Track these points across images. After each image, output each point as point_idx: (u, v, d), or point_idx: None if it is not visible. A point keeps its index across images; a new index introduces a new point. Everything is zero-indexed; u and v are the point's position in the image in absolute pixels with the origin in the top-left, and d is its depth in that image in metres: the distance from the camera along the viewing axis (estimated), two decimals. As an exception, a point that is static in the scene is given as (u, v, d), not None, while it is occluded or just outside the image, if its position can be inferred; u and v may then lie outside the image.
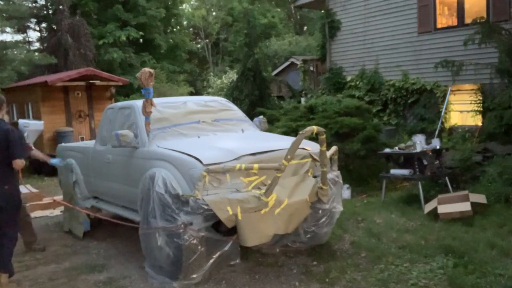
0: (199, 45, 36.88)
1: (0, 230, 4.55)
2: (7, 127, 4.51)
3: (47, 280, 4.74)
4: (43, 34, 25.36)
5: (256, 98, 15.35)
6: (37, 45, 25.77)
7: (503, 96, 8.09)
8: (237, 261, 4.37)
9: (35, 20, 24.45)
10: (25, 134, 5.10)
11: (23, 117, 13.11)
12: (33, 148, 5.15)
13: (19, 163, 4.51)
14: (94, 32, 23.23)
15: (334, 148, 5.14)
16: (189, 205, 3.99)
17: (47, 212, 7.92)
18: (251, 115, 7.52)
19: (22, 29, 23.95)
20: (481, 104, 9.47)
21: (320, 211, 4.71)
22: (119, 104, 6.36)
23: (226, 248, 4.20)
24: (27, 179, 10.97)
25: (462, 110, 10.22)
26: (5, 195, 4.51)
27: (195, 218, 4.00)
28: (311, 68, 14.35)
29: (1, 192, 4.48)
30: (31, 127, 5.22)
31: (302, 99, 14.34)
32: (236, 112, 5.97)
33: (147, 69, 4.90)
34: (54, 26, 23.06)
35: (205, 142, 4.85)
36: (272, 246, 4.59)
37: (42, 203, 8.19)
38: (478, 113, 9.55)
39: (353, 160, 8.10)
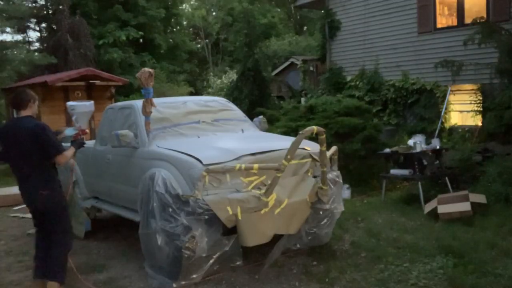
0: (199, 45, 36.86)
1: (49, 237, 4.19)
2: (32, 125, 4.02)
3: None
4: (43, 34, 25.35)
5: (256, 98, 15.33)
6: (37, 45, 25.76)
7: (503, 96, 8.08)
8: (239, 263, 4.36)
9: (35, 20, 24.44)
10: (73, 118, 4.71)
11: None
12: (87, 131, 4.67)
13: (61, 159, 4.08)
14: (94, 32, 23.22)
15: (334, 148, 5.14)
16: (189, 205, 3.99)
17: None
18: (251, 115, 7.50)
19: (22, 29, 23.93)
20: (481, 104, 9.47)
21: (321, 212, 4.71)
22: (119, 104, 6.36)
23: (227, 248, 4.20)
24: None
25: (462, 110, 10.22)
26: (44, 200, 4.06)
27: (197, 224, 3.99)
28: (311, 68, 14.38)
29: (39, 198, 4.05)
30: (78, 109, 4.69)
31: (302, 99, 14.34)
32: (236, 112, 5.97)
33: (147, 69, 4.90)
34: (54, 26, 23.06)
35: (205, 142, 4.85)
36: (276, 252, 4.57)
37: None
38: (478, 113, 9.55)
39: (353, 160, 8.10)
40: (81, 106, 4.77)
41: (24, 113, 4.12)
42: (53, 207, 4.16)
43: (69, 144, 4.55)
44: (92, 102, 5.03)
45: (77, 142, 4.46)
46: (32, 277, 4.34)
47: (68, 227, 4.35)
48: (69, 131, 5.06)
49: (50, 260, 4.15)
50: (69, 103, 4.88)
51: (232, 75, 22.38)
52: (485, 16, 8.93)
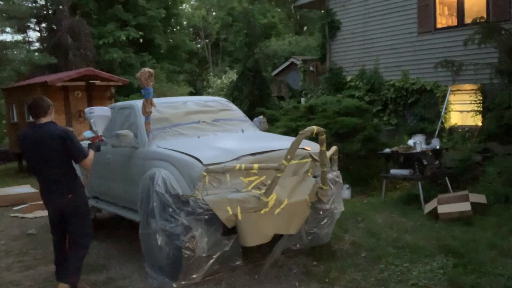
0: (199, 45, 36.88)
1: (71, 239, 4.30)
2: (58, 131, 4.07)
3: (47, 280, 4.74)
4: (43, 34, 25.34)
5: (256, 98, 15.35)
6: (37, 45, 25.75)
7: (503, 96, 8.08)
8: (239, 263, 4.36)
9: (35, 20, 24.44)
10: (92, 121, 4.74)
11: (23, 117, 13.11)
12: (103, 138, 4.73)
13: (86, 162, 4.15)
14: (94, 32, 23.22)
15: (334, 148, 5.14)
16: (189, 205, 3.99)
17: (47, 212, 7.90)
18: (251, 115, 7.52)
19: (22, 29, 23.92)
20: (481, 104, 9.47)
21: (321, 212, 4.71)
22: (119, 104, 6.36)
23: (227, 248, 4.20)
24: (27, 179, 10.98)
25: (462, 110, 10.22)
26: (70, 204, 4.17)
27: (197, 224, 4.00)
28: (311, 68, 14.35)
29: (65, 201, 4.15)
30: (97, 112, 4.77)
31: (302, 99, 14.35)
32: (236, 112, 5.97)
33: (147, 69, 4.89)
34: (54, 26, 23.07)
35: (205, 142, 4.85)
36: (276, 252, 4.58)
37: (42, 203, 8.17)
38: (478, 113, 9.55)
39: (353, 160, 8.10)
40: (99, 110, 4.84)
41: (45, 120, 4.14)
42: (79, 209, 4.24)
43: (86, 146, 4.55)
44: (109, 108, 5.10)
45: (95, 145, 4.47)
46: (56, 279, 4.36)
47: (90, 230, 4.41)
48: (87, 134, 5.14)
49: (68, 262, 4.22)
50: (88, 108, 4.95)
51: (232, 75, 22.41)
52: (485, 16, 8.92)
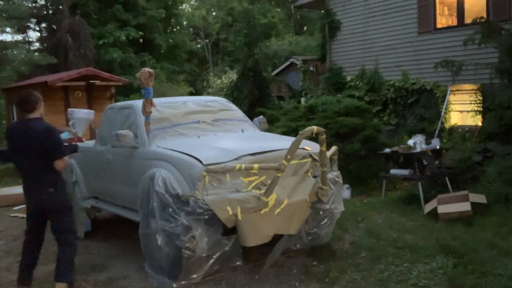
0: (199, 45, 36.89)
1: (55, 238, 4.23)
2: (42, 127, 4.06)
3: (47, 280, 4.73)
4: (43, 34, 25.37)
5: (256, 98, 15.35)
6: (37, 45, 25.78)
7: (503, 96, 8.07)
8: (239, 263, 4.36)
9: (35, 20, 24.47)
10: (71, 123, 4.70)
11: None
12: (83, 139, 4.62)
13: (59, 163, 4.09)
14: (94, 32, 23.24)
15: (334, 148, 5.14)
16: (189, 205, 3.99)
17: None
18: (251, 115, 7.51)
19: (22, 29, 23.94)
20: (481, 104, 9.47)
21: (321, 212, 4.72)
22: (119, 104, 6.35)
23: (227, 248, 4.20)
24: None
25: (462, 110, 10.22)
26: (51, 198, 4.10)
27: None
28: (311, 68, 14.36)
29: (46, 196, 4.07)
30: (76, 114, 4.70)
31: (302, 99, 14.35)
32: (236, 112, 5.97)
33: (147, 69, 4.90)
34: (54, 26, 23.09)
35: (205, 142, 4.85)
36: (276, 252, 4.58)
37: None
38: (478, 113, 9.54)
39: (353, 160, 8.10)
40: (79, 112, 4.81)
41: (33, 115, 4.13)
42: (60, 205, 4.18)
43: None
44: (92, 111, 5.07)
45: (71, 147, 4.46)
46: (16, 284, 4.29)
47: (73, 226, 4.38)
48: (64, 135, 5.09)
49: (58, 261, 4.17)
50: (69, 109, 4.93)
51: (232, 75, 22.40)
52: (485, 16, 8.91)
